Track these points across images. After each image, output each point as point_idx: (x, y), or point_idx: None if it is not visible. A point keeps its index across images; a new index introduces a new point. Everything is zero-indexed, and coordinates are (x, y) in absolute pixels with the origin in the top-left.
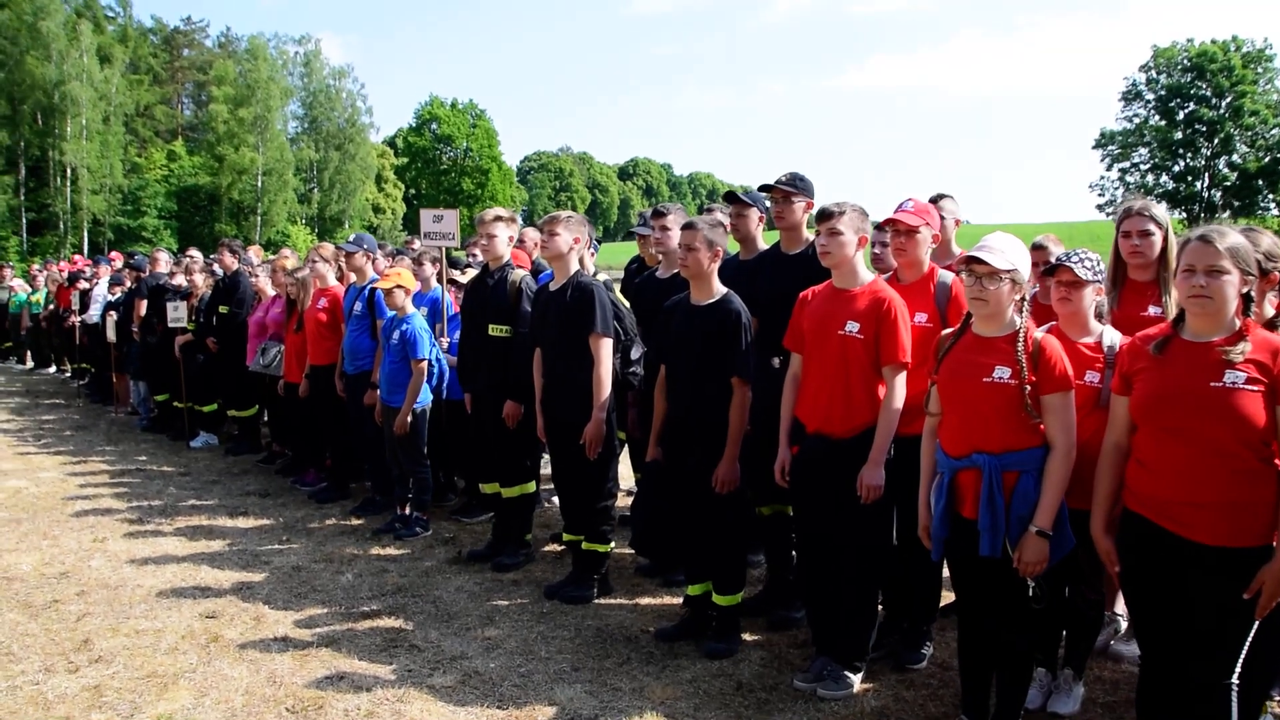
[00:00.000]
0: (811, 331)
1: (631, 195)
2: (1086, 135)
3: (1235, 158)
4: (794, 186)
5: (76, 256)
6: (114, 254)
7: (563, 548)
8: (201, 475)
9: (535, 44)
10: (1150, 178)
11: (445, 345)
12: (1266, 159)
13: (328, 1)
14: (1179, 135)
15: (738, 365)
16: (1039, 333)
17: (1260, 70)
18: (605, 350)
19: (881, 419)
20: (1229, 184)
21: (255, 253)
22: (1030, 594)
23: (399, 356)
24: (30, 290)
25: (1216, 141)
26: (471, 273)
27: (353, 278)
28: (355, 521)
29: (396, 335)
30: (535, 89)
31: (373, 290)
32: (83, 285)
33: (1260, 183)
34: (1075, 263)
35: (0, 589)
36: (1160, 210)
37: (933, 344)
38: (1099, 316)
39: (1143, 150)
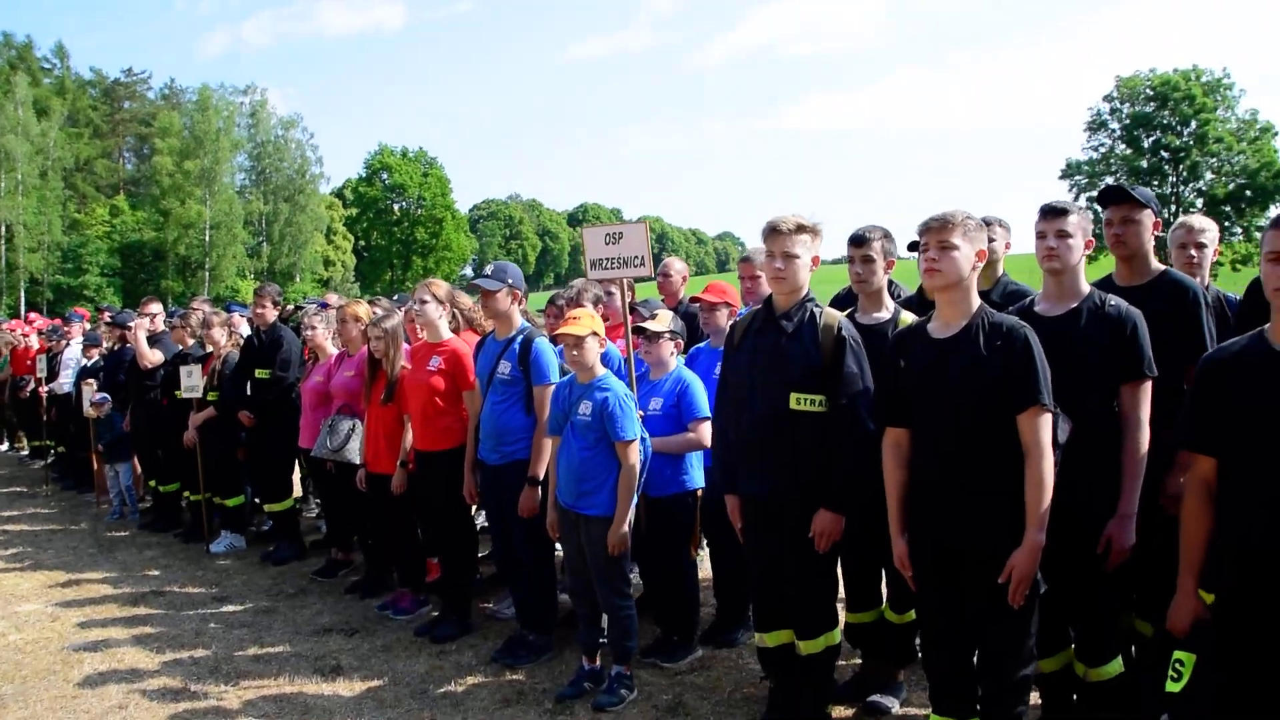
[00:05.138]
0: None
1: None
2: (1042, 165)
3: (1202, 185)
4: (1142, 197)
5: (33, 315)
6: (80, 310)
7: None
8: (244, 598)
9: (476, 92)
10: None
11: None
12: (1232, 185)
13: (266, 56)
14: (1145, 163)
15: None
16: None
17: (1219, 98)
18: (1046, 431)
19: None
20: (1197, 210)
21: (331, 299)
22: None
23: (593, 439)
24: None
25: (1183, 168)
26: (666, 314)
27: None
28: (512, 677)
29: (587, 408)
30: (480, 137)
31: (527, 343)
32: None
33: (1228, 209)
34: None
35: None
36: None
37: None
38: None
39: (1110, 179)
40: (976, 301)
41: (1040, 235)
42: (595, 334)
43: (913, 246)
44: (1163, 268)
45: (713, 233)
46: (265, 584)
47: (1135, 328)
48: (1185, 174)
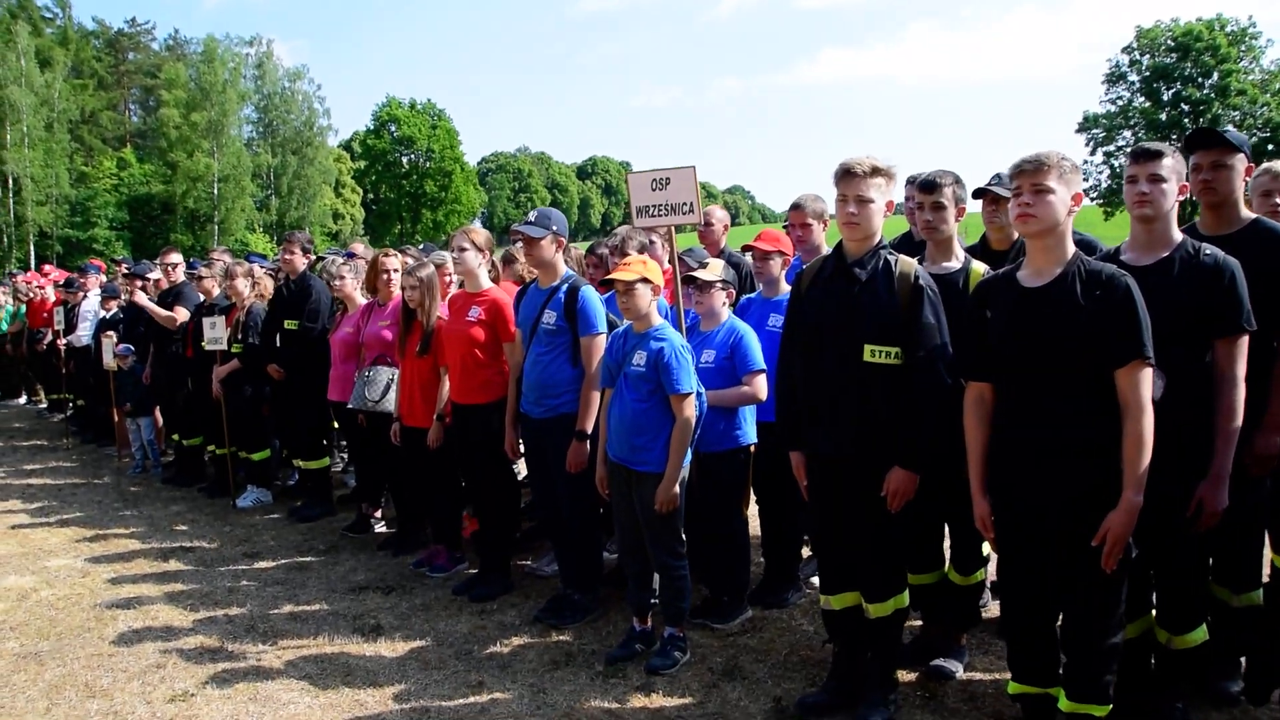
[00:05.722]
0: None
1: (591, 194)
2: (1059, 119)
3: None
4: (1235, 140)
5: (48, 266)
6: (96, 261)
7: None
8: (277, 555)
9: (485, 44)
10: None
11: None
12: (1254, 138)
13: (272, 6)
14: (1164, 116)
15: None
16: None
17: (1244, 49)
18: (1147, 387)
19: None
20: None
21: (357, 248)
22: None
23: (647, 391)
24: None
25: (1204, 122)
26: (716, 263)
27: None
28: (558, 638)
29: (641, 359)
30: (489, 90)
31: (573, 292)
32: (52, 295)
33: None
34: None
35: None
36: None
37: None
38: None
39: (1127, 133)
40: (1072, 248)
41: (1131, 180)
42: (646, 280)
43: (977, 195)
44: (1253, 215)
45: (723, 186)
46: (295, 540)
47: (1233, 278)
48: (1206, 127)
